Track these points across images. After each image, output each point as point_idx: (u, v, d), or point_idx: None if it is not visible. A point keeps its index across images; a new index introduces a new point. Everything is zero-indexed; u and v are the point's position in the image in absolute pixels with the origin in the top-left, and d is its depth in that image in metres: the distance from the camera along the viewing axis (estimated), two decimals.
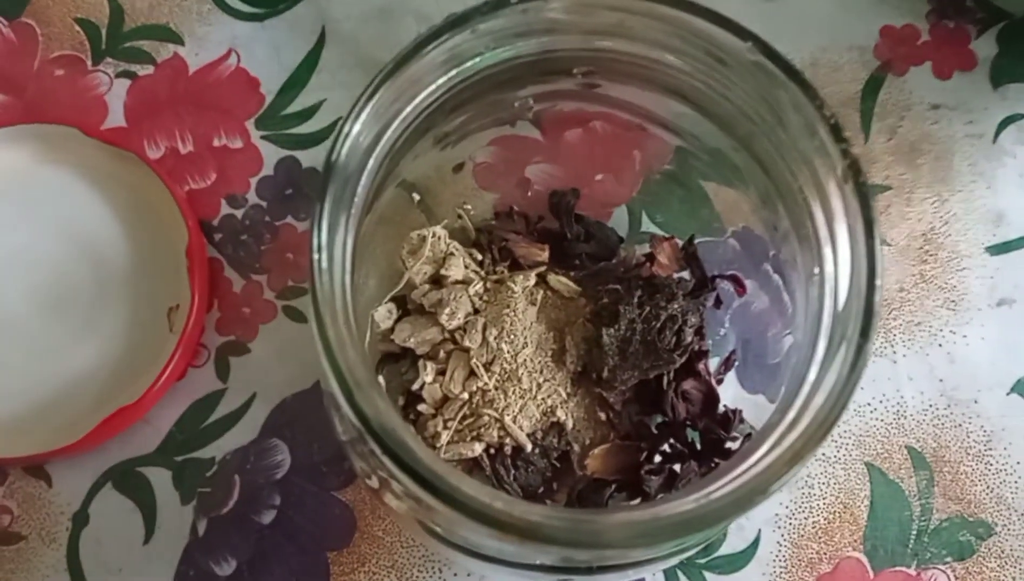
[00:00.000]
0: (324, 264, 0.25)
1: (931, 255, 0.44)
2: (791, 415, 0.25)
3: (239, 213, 0.44)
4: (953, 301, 0.44)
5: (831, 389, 0.24)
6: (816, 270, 0.27)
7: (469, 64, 0.28)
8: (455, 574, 0.40)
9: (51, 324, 0.41)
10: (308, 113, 0.45)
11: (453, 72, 0.28)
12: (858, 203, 0.25)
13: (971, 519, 0.41)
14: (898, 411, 0.42)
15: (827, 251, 0.27)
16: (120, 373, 0.41)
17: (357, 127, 0.26)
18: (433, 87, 0.28)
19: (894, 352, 0.43)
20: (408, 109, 0.28)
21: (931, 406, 0.42)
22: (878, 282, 0.24)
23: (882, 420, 0.42)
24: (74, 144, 0.43)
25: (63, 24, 0.47)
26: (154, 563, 0.40)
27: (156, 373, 0.39)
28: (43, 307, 0.42)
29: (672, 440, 0.38)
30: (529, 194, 0.42)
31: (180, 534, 0.40)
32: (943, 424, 0.42)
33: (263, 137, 0.45)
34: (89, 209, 0.43)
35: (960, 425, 0.42)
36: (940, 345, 0.43)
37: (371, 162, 0.27)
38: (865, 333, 0.24)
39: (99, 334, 0.41)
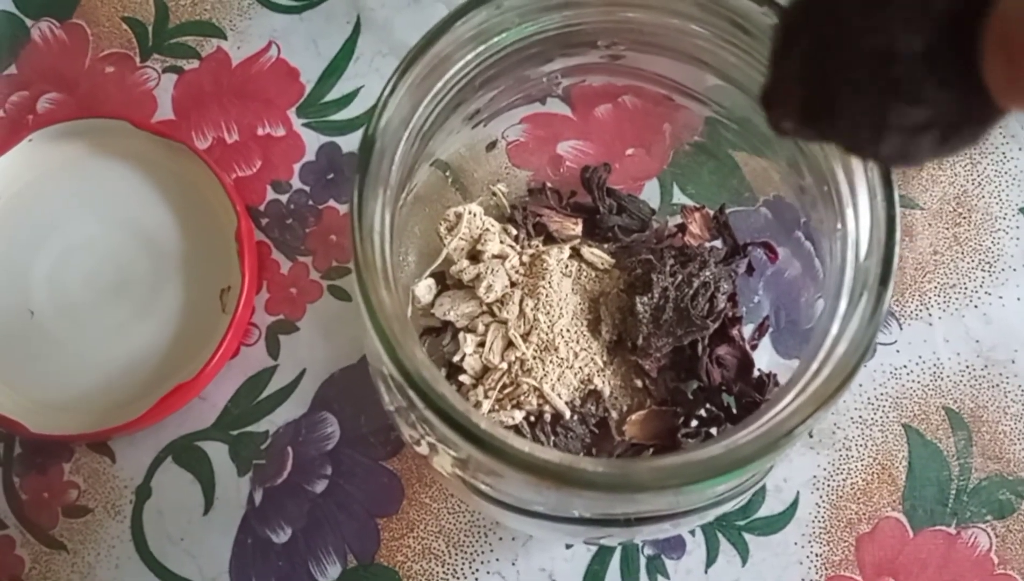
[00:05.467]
0: (364, 231, 0.26)
1: (964, 218, 0.44)
2: (815, 366, 0.26)
3: (284, 198, 0.46)
4: (988, 262, 0.44)
5: (852, 337, 0.25)
6: (839, 226, 0.28)
7: (496, 40, 0.29)
8: (500, 538, 0.41)
9: (110, 308, 0.43)
10: (347, 100, 0.47)
11: (481, 48, 0.29)
12: None
13: (1011, 477, 0.41)
14: (935, 373, 0.43)
15: (848, 207, 0.27)
16: (176, 353, 0.43)
17: (391, 103, 0.27)
18: (462, 63, 0.29)
19: (929, 315, 0.43)
20: (439, 85, 0.29)
21: (968, 367, 0.43)
22: (897, 229, 0.25)
23: (919, 382, 0.42)
24: (126, 137, 0.45)
25: (111, 23, 0.48)
26: (214, 532, 0.41)
27: (211, 352, 0.41)
28: (102, 292, 0.43)
29: (708, 405, 0.39)
30: (561, 170, 0.43)
31: (237, 504, 0.42)
32: (980, 384, 0.42)
33: (304, 125, 0.47)
34: (142, 198, 0.45)
35: (997, 385, 0.42)
36: (976, 306, 0.43)
37: (405, 136, 0.28)
38: (885, 280, 0.25)
39: (155, 316, 0.43)
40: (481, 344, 0.39)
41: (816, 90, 0.15)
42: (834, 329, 0.26)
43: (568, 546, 0.41)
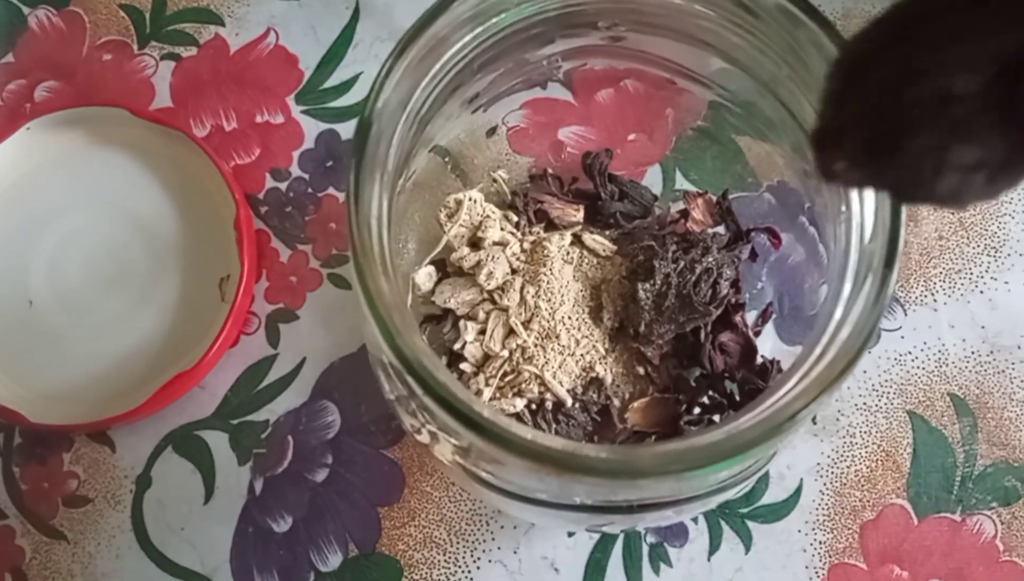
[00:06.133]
0: (361, 217, 0.26)
1: None
2: (818, 350, 0.25)
3: (283, 186, 0.45)
4: (993, 248, 0.43)
5: (857, 321, 0.25)
6: (843, 209, 0.27)
7: (494, 20, 0.29)
8: (502, 527, 0.41)
9: (109, 297, 0.43)
10: (346, 87, 0.47)
11: (479, 29, 0.29)
12: None
13: (1016, 464, 0.41)
14: (940, 359, 0.42)
15: (853, 190, 0.27)
16: (176, 342, 0.42)
17: (388, 85, 0.27)
18: (459, 44, 0.29)
19: (934, 300, 0.43)
20: (436, 67, 0.29)
21: (973, 353, 0.42)
22: (902, 210, 0.25)
23: (923, 368, 0.42)
24: (124, 125, 0.44)
25: (108, 11, 0.48)
26: (215, 522, 0.41)
27: (210, 341, 0.41)
28: (101, 281, 0.43)
29: (711, 392, 0.38)
30: (563, 156, 0.42)
31: (238, 493, 0.41)
32: (986, 371, 0.42)
33: (303, 112, 0.46)
34: (141, 187, 0.44)
35: (1003, 371, 0.42)
36: (981, 292, 0.43)
37: (402, 119, 0.28)
38: (889, 262, 0.25)
39: (155, 305, 0.43)
40: (482, 332, 0.38)
41: (881, 130, 0.16)
42: (838, 313, 0.26)
43: (570, 534, 0.41)
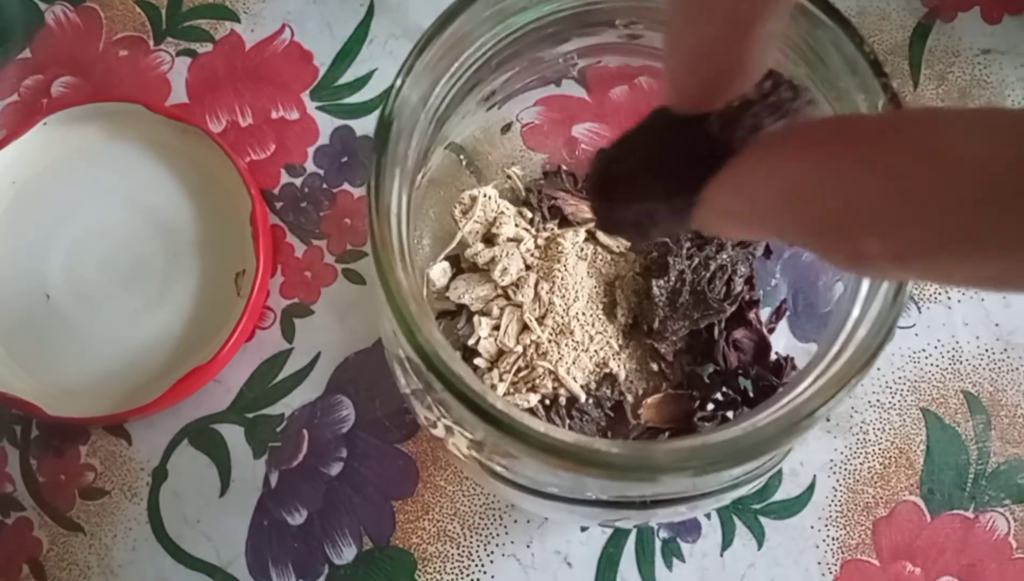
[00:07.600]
0: (382, 211, 0.26)
1: None
2: (835, 349, 0.25)
3: (298, 181, 0.45)
4: None
5: (875, 319, 0.25)
6: None
7: (513, 19, 0.29)
8: (515, 521, 0.41)
9: (126, 292, 0.43)
10: (360, 83, 0.47)
11: (498, 28, 0.29)
12: None
13: None
14: (954, 356, 0.42)
15: None
16: (192, 336, 0.43)
17: (409, 83, 0.27)
18: (479, 43, 0.29)
19: (948, 298, 0.43)
20: (455, 66, 0.29)
21: (987, 350, 0.42)
22: None
23: (937, 366, 0.42)
24: (140, 120, 0.45)
25: (125, 7, 0.48)
26: (230, 514, 0.42)
27: (226, 335, 0.41)
28: (118, 276, 0.44)
29: (725, 388, 0.38)
30: (577, 153, 0.42)
31: (253, 486, 0.42)
32: (1000, 368, 0.42)
33: (318, 108, 0.46)
34: (157, 182, 0.45)
35: (1017, 369, 0.42)
36: None
37: (422, 117, 0.28)
38: None
39: (171, 300, 0.43)
40: (496, 327, 0.39)
41: (610, 221, 0.23)
42: (855, 311, 0.26)
43: (583, 529, 0.41)
